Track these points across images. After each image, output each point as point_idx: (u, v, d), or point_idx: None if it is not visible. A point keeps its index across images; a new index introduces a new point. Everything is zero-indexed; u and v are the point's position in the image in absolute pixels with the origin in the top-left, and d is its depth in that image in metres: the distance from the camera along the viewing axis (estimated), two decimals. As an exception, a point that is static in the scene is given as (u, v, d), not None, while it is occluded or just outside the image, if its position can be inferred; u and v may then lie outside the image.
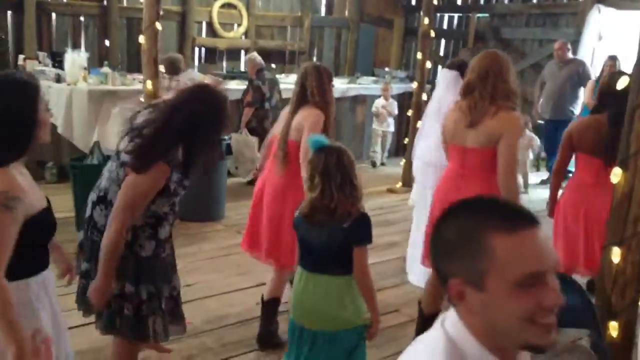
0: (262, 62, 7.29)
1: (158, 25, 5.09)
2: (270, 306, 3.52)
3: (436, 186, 3.46)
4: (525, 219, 1.17)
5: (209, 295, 4.09)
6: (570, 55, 7.87)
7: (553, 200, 3.84)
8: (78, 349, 3.41)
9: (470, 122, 3.10)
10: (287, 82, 8.62)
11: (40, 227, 2.07)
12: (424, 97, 7.10)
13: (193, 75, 7.75)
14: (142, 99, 5.87)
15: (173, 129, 2.45)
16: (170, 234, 2.71)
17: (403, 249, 5.04)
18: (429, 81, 7.64)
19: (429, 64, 7.38)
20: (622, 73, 3.71)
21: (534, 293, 1.13)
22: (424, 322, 3.40)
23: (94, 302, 2.50)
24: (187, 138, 2.48)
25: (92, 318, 2.85)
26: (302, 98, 3.49)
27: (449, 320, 1.23)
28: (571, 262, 3.62)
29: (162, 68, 5.70)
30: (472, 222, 1.19)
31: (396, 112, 8.67)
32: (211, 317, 3.84)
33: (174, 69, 6.57)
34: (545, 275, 1.14)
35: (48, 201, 2.19)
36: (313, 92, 3.43)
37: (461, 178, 3.18)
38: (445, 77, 4.42)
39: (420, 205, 4.37)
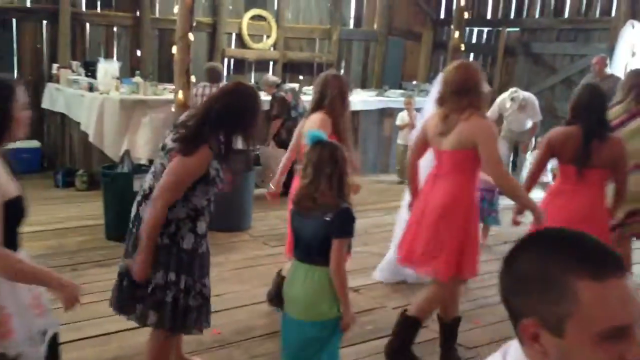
0: (276, 78, 7.42)
1: (191, 36, 5.16)
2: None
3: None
4: (614, 266, 1.07)
5: (237, 306, 4.09)
6: (608, 70, 7.74)
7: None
8: (123, 353, 3.46)
9: (442, 131, 3.19)
10: (315, 94, 8.68)
11: (15, 211, 2.18)
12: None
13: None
14: (172, 109, 5.95)
15: (212, 117, 2.71)
16: (206, 231, 2.86)
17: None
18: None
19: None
20: (589, 86, 3.78)
21: (617, 345, 1.05)
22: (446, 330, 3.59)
23: (136, 276, 2.70)
24: (225, 127, 2.74)
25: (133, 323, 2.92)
26: (318, 105, 3.61)
27: (513, 357, 1.17)
28: None
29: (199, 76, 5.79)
30: (553, 260, 1.08)
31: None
32: (239, 328, 3.83)
33: (215, 76, 6.71)
34: (630, 328, 1.06)
35: (21, 192, 2.29)
36: (332, 100, 3.55)
37: (437, 179, 3.29)
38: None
39: None
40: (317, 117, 3.59)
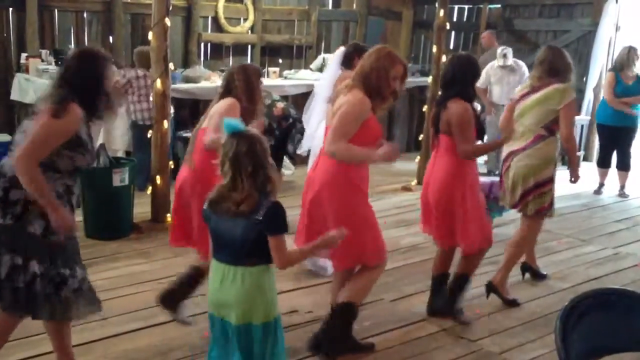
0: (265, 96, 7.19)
1: (167, 22, 4.89)
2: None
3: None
4: None
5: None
6: (496, 44, 8.25)
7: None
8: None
9: None
10: (296, 78, 8.44)
11: None
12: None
13: (201, 72, 7.57)
14: (151, 98, 5.69)
15: (67, 83, 2.73)
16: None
17: (427, 251, 4.85)
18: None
19: (444, 58, 7.17)
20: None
21: None
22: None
23: (61, 229, 2.69)
24: (79, 92, 2.71)
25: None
26: (225, 94, 3.49)
27: None
28: None
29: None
30: None
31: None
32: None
33: (146, 61, 6.13)
34: None
35: None
36: (238, 90, 3.45)
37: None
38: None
39: None
40: (224, 102, 3.44)
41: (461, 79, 3.58)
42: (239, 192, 2.38)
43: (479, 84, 7.67)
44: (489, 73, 7.61)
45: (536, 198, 4.05)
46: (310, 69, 8.88)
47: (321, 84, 5.07)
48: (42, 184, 2.62)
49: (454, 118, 3.52)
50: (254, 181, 2.38)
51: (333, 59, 5.17)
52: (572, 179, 4.26)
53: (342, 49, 5.00)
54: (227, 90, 3.50)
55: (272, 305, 2.50)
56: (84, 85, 2.73)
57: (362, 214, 3.23)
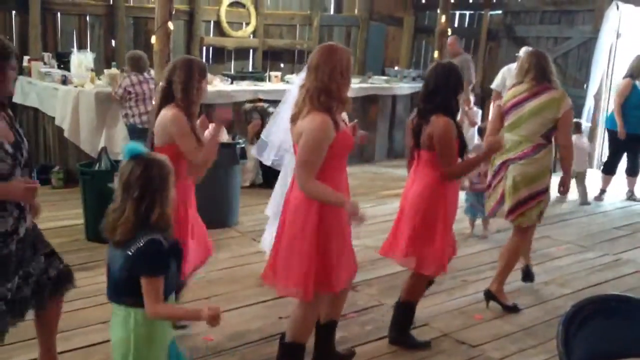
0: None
1: (170, 25, 4.91)
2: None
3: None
4: None
5: (228, 309, 3.87)
6: (460, 50, 8.10)
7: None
8: None
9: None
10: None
11: None
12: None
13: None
14: (153, 102, 5.68)
15: None
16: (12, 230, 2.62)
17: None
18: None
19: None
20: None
21: None
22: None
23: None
24: None
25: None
26: (166, 96, 3.30)
27: None
28: None
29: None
30: None
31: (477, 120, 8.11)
32: (233, 333, 3.63)
33: (142, 65, 6.20)
34: None
35: None
36: (177, 88, 3.25)
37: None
38: None
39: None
40: (167, 114, 3.24)
41: (444, 91, 3.31)
42: (118, 216, 2.17)
43: (494, 86, 7.67)
44: (505, 76, 7.42)
45: (532, 209, 3.99)
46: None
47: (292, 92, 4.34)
48: None
49: (436, 135, 3.26)
50: (136, 207, 2.15)
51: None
52: (562, 189, 4.14)
53: None
54: (168, 91, 3.29)
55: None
56: None
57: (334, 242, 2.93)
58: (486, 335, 3.82)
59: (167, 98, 3.30)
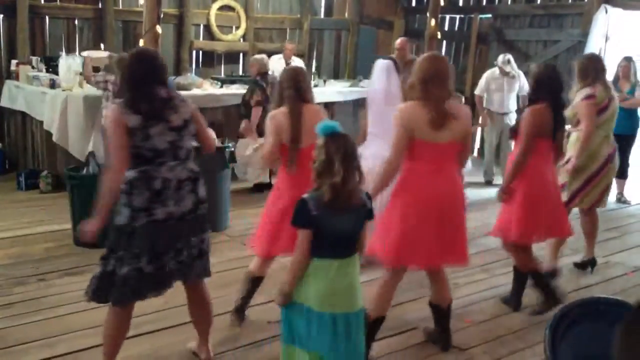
0: (266, 62, 6.96)
1: (158, 29, 4.89)
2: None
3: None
4: None
5: (218, 314, 3.84)
6: (411, 55, 7.69)
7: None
8: None
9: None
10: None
11: None
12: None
13: (192, 80, 7.54)
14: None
15: None
16: None
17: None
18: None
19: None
20: (548, 66, 4.22)
21: None
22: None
23: None
24: None
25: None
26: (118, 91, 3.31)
27: None
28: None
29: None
30: None
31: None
32: (223, 338, 3.62)
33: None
34: None
35: None
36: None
37: (434, 173, 3.19)
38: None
39: None
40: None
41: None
42: (352, 186, 2.54)
43: (477, 91, 7.69)
44: (489, 80, 7.52)
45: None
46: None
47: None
48: None
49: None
50: (359, 174, 2.60)
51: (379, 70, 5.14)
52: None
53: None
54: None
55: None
56: None
57: None
58: (476, 338, 3.81)
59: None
